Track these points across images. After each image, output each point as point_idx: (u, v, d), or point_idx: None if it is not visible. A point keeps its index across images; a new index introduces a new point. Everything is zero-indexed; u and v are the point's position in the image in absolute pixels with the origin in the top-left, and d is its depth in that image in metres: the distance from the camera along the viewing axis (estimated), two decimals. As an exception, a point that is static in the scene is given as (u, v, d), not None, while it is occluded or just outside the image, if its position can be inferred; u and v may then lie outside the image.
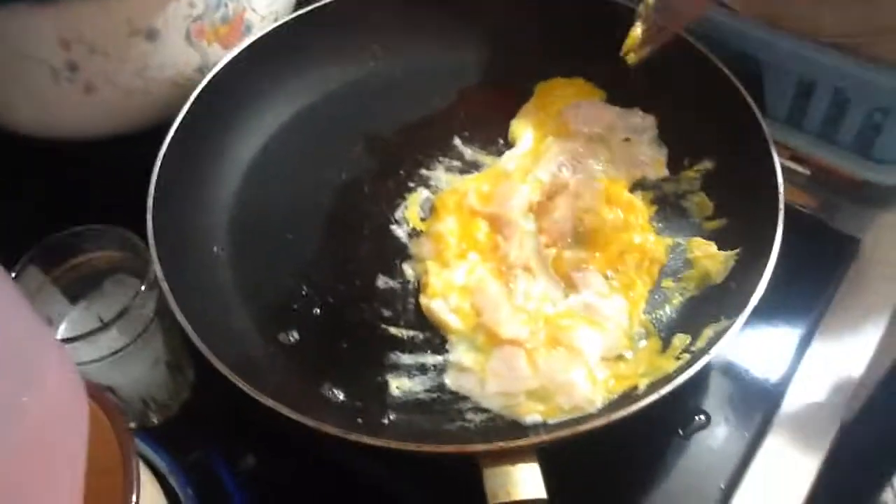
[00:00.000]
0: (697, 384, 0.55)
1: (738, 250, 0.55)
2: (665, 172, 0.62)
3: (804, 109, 0.66)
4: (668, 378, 0.48)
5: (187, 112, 0.61)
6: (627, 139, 0.62)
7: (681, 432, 0.54)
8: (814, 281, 0.60)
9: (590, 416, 0.48)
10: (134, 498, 0.40)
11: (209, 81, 0.63)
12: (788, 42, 0.63)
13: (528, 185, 0.60)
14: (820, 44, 0.62)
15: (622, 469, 0.53)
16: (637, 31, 0.61)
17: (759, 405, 0.56)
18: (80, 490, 0.38)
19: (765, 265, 0.50)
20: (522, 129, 0.65)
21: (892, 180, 0.64)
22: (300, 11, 0.68)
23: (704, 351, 0.48)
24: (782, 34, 0.62)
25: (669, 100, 0.64)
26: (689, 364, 0.47)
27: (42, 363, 0.38)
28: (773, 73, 0.65)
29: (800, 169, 0.66)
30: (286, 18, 0.68)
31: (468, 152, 0.65)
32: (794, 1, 0.64)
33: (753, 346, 0.58)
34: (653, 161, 0.62)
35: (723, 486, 0.52)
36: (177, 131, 0.60)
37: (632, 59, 0.61)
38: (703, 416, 0.55)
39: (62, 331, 0.55)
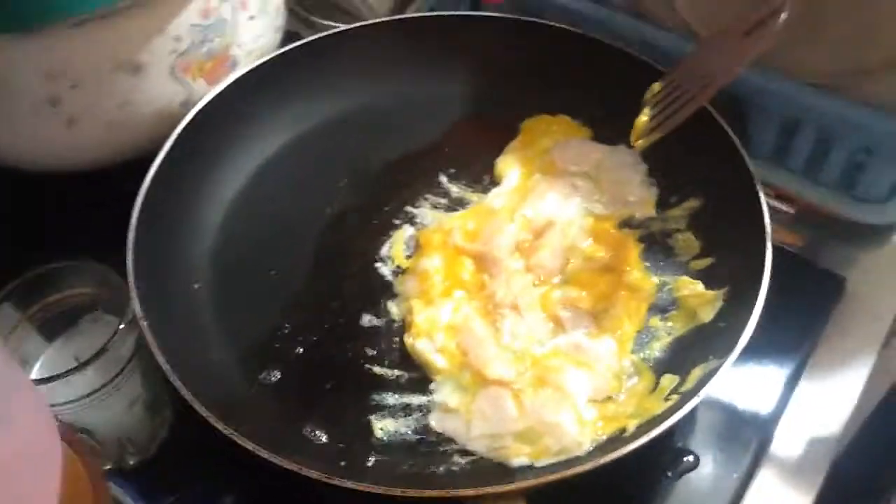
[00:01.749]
0: (685, 424, 0.54)
1: (725, 290, 0.55)
2: (653, 212, 0.62)
3: (788, 148, 0.67)
4: (656, 420, 0.47)
5: (171, 147, 0.60)
6: (618, 178, 0.62)
7: (669, 474, 0.53)
8: (801, 319, 0.60)
9: (578, 460, 0.47)
10: (107, 546, 0.39)
11: (193, 116, 0.62)
12: (773, 81, 0.63)
13: (514, 223, 0.59)
14: (804, 83, 0.63)
15: (610, 513, 0.52)
16: (643, 118, 0.61)
17: (747, 445, 0.55)
18: (51, 537, 0.36)
19: (753, 305, 0.50)
20: (509, 167, 0.65)
21: (875, 219, 0.64)
22: (286, 48, 0.68)
23: (693, 392, 0.47)
24: (767, 73, 0.63)
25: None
26: (678, 406, 0.47)
27: (13, 403, 0.37)
28: (757, 110, 0.66)
29: (784, 207, 0.67)
30: (272, 54, 0.67)
31: (454, 189, 0.65)
32: (779, 44, 0.64)
33: (741, 385, 0.58)
34: (642, 200, 0.61)
35: (713, 529, 0.52)
36: (160, 166, 0.59)
37: (641, 145, 0.62)
38: (691, 457, 0.54)
39: (37, 370, 0.53)
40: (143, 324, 0.50)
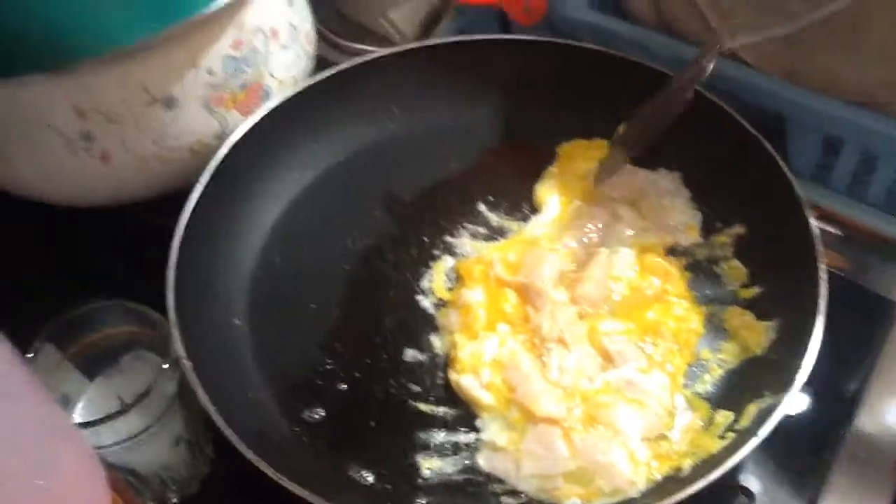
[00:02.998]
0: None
1: (777, 320, 0.53)
2: (698, 238, 0.60)
3: (831, 166, 0.65)
4: (713, 460, 0.46)
5: (207, 180, 0.59)
6: (660, 203, 0.61)
7: (724, 513, 0.52)
8: (853, 347, 0.59)
9: (633, 502, 0.46)
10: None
11: (229, 149, 0.61)
12: (813, 99, 0.62)
13: (556, 253, 0.58)
14: (846, 101, 0.61)
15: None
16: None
17: (804, 480, 0.53)
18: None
19: (808, 338, 0.48)
20: (548, 194, 0.63)
21: (924, 239, 0.63)
22: (318, 77, 0.67)
23: (752, 432, 0.45)
24: (807, 92, 0.62)
25: (695, 161, 0.63)
26: (735, 445, 0.45)
27: (58, 448, 0.37)
28: (797, 129, 0.64)
29: (829, 229, 0.65)
30: (305, 84, 0.67)
31: (493, 218, 0.64)
32: (814, 57, 0.63)
33: (795, 417, 0.56)
34: (685, 226, 0.60)
35: (770, 570, 0.50)
36: (197, 201, 0.58)
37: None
38: (745, 496, 0.52)
39: (80, 410, 0.53)
40: (186, 363, 0.49)
